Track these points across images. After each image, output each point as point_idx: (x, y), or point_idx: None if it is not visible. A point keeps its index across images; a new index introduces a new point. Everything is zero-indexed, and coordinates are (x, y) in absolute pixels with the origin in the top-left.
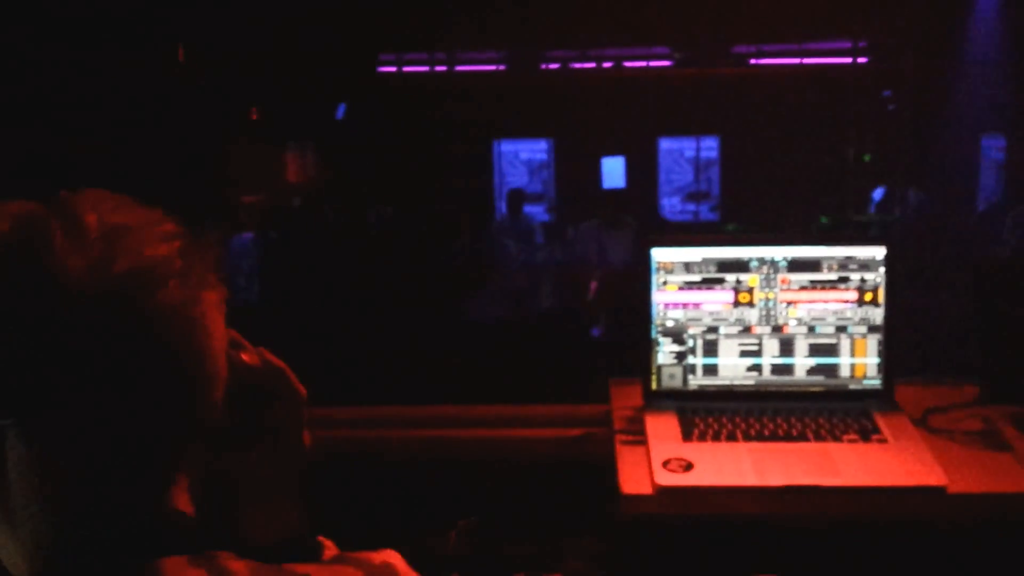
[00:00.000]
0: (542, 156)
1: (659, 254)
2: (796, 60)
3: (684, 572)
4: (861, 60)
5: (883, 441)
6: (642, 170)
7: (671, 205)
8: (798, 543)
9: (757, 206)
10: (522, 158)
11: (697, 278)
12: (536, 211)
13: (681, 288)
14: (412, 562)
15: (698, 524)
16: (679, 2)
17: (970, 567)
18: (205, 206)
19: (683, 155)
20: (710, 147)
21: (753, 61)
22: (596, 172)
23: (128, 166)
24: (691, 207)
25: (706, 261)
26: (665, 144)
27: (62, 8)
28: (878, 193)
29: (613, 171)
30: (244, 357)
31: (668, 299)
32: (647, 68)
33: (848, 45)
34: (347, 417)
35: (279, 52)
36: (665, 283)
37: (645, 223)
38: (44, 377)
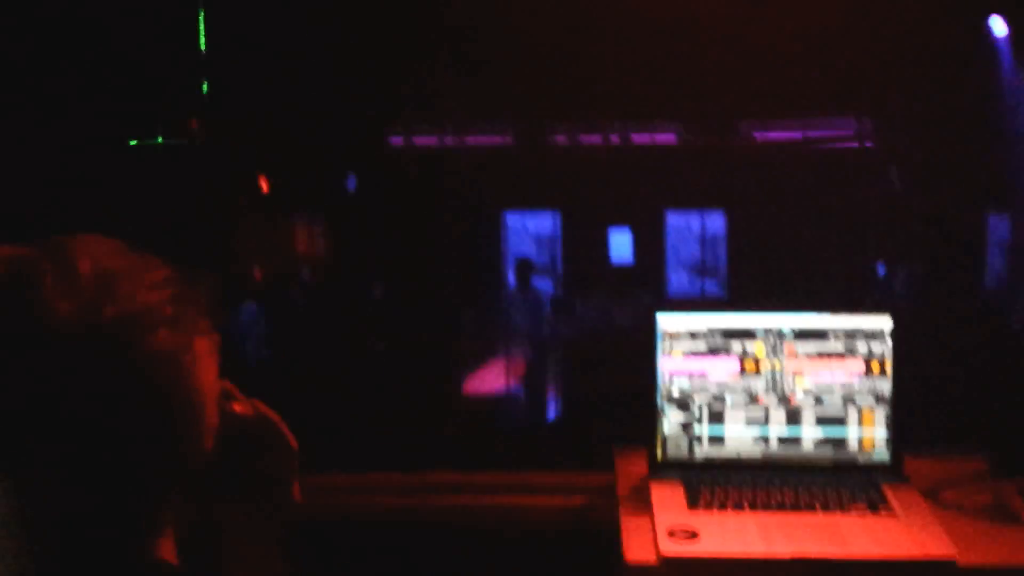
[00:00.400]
0: (548, 229)
1: (665, 321)
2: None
3: None
4: (868, 144)
5: (892, 513)
6: (649, 245)
7: (678, 280)
8: None
9: (763, 281)
10: (530, 231)
11: (703, 346)
12: (544, 284)
13: (687, 356)
14: None
15: None
16: (687, 79)
17: None
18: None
19: (690, 230)
20: (717, 223)
21: (758, 135)
22: (604, 246)
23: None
24: (697, 282)
25: (712, 330)
26: (672, 219)
27: (74, 75)
28: (882, 269)
29: (621, 245)
30: (236, 407)
31: (674, 367)
32: (653, 143)
33: (854, 126)
34: (344, 484)
35: (289, 123)
36: (671, 350)
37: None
38: (32, 426)
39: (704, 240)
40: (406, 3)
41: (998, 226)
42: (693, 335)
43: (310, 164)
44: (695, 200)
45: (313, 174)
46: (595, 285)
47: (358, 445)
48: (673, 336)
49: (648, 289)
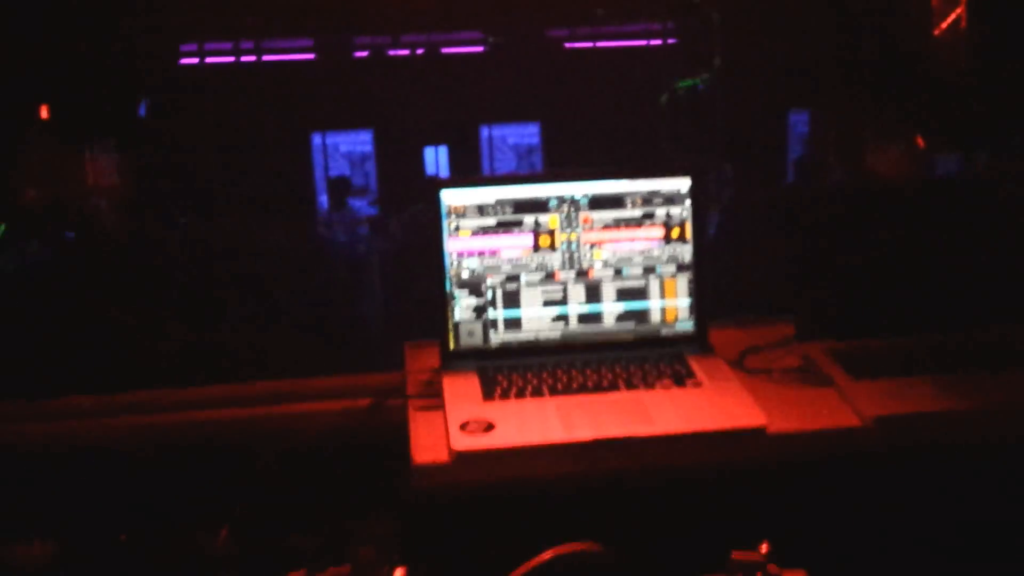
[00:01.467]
0: (365, 148)
1: (449, 196)
2: (610, 43)
3: (486, 546)
4: (671, 41)
5: (698, 385)
6: (466, 158)
7: None
8: (613, 502)
9: None
10: (342, 150)
11: (492, 222)
12: (360, 204)
13: (475, 233)
14: (178, 563)
15: (502, 491)
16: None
17: (794, 508)
18: None
19: (506, 142)
20: (532, 133)
21: (568, 45)
22: (419, 163)
23: None
24: None
25: (501, 203)
26: (486, 132)
27: None
28: None
29: (437, 161)
30: None
31: (462, 247)
32: (462, 54)
33: (659, 27)
34: (96, 406)
35: (70, 45)
36: (458, 229)
37: None
38: None
39: (520, 153)
40: None
41: (797, 121)
42: (481, 210)
43: (97, 89)
44: (509, 113)
45: (102, 100)
46: (412, 202)
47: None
48: (459, 212)
49: None
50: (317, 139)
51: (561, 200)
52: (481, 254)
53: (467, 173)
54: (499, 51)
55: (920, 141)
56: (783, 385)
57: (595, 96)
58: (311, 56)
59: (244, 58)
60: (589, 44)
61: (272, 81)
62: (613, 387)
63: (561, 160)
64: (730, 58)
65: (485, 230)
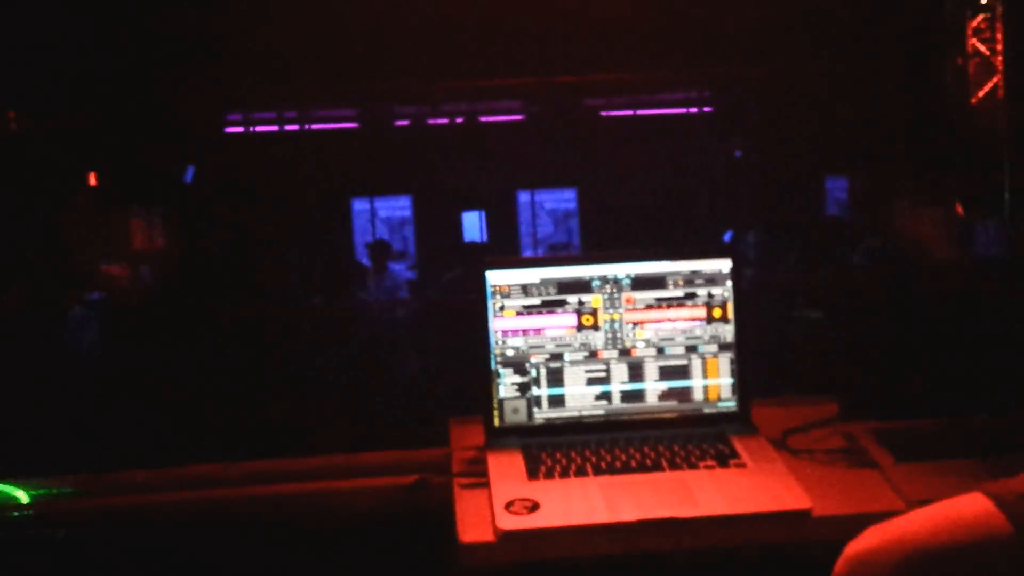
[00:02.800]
0: (404, 212)
1: (495, 277)
2: (647, 111)
3: None
4: (707, 109)
5: (741, 466)
6: (502, 223)
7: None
8: None
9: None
10: (381, 215)
11: (537, 301)
12: (399, 268)
13: (520, 313)
14: None
15: (546, 571)
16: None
17: None
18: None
19: (543, 207)
20: (569, 199)
21: (604, 113)
22: (457, 227)
23: None
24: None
25: (545, 282)
26: (524, 197)
27: None
28: (727, 236)
29: (473, 225)
30: None
31: (506, 326)
32: (501, 122)
33: (695, 95)
34: (150, 481)
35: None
36: (502, 308)
37: None
38: None
39: (557, 217)
40: None
41: (834, 186)
42: (526, 290)
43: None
44: (545, 179)
45: (148, 166)
46: (449, 265)
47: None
48: (504, 292)
49: None
50: (357, 204)
51: (604, 280)
52: (525, 333)
53: (505, 238)
54: (537, 118)
55: (959, 208)
56: (826, 466)
57: (631, 162)
58: (354, 125)
59: (288, 127)
60: (627, 112)
61: (314, 148)
62: (656, 467)
63: (597, 225)
64: (767, 124)
65: (529, 309)
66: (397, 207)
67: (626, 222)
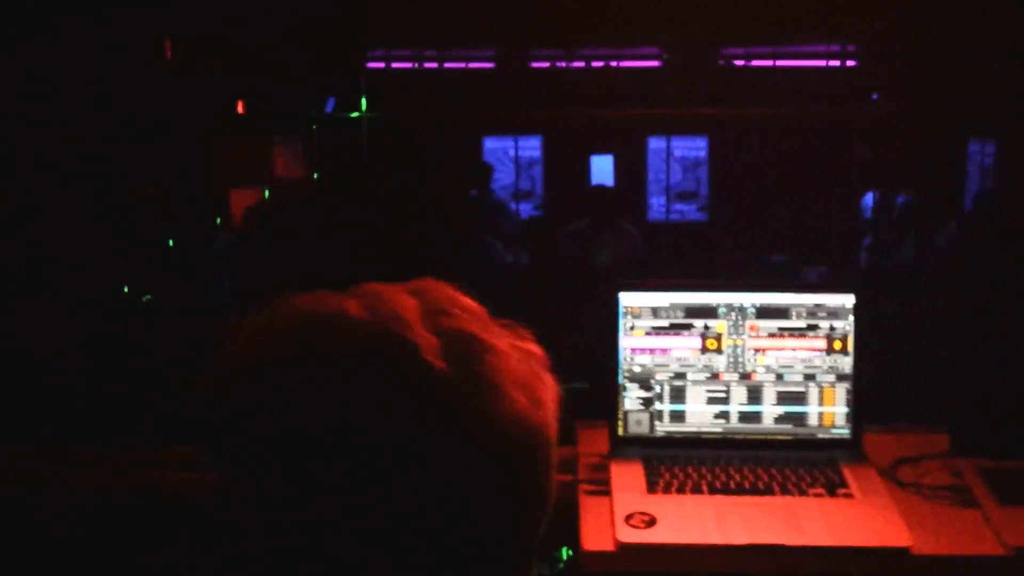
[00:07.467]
0: (534, 153)
1: (627, 299)
2: (785, 63)
3: None
4: (850, 63)
5: (849, 496)
6: (630, 170)
7: (659, 204)
8: None
9: (744, 207)
10: (510, 155)
11: (665, 323)
12: (525, 208)
13: (648, 333)
14: None
15: None
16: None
17: None
18: (194, 201)
19: (672, 154)
20: (699, 147)
21: (741, 63)
22: (585, 170)
23: (117, 162)
24: (678, 207)
25: (674, 306)
26: (653, 143)
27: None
28: (868, 198)
29: (602, 169)
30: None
31: (635, 344)
32: (636, 68)
33: (837, 48)
34: None
35: (267, 46)
36: (632, 328)
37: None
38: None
39: (686, 165)
40: None
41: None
42: (655, 312)
43: (286, 88)
44: (677, 126)
45: (290, 98)
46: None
47: None
48: (635, 313)
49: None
50: (488, 142)
51: (730, 308)
52: (652, 352)
53: (631, 183)
54: (672, 65)
55: None
56: (931, 502)
57: (765, 113)
58: (490, 65)
59: (427, 64)
60: (767, 63)
61: (450, 87)
62: (768, 491)
63: (725, 173)
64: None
65: (658, 330)
66: (527, 147)
67: (756, 174)
